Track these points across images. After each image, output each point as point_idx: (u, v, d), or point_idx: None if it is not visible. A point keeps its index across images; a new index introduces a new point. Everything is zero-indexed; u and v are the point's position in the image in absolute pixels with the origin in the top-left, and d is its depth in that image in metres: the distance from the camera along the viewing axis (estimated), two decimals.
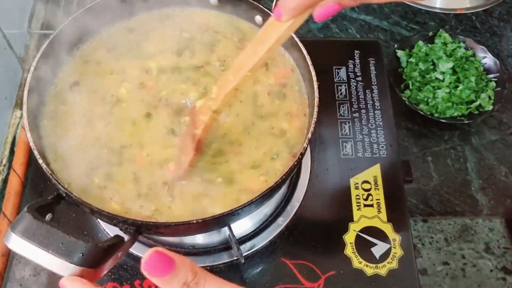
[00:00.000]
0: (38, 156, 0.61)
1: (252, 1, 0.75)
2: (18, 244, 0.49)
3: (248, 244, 0.75)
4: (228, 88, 0.61)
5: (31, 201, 0.54)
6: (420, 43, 1.04)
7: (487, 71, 1.02)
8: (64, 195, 0.59)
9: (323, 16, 0.48)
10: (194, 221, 0.56)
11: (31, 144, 0.61)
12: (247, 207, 0.57)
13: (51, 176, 0.59)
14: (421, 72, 1.01)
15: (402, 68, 1.03)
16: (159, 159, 0.65)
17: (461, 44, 1.04)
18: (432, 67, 1.02)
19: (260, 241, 0.75)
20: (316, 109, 0.63)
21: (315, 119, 0.62)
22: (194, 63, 0.73)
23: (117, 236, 0.54)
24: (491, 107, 0.97)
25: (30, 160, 0.86)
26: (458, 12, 1.17)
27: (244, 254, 0.74)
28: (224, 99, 0.62)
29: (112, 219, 0.57)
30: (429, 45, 1.05)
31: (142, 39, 0.76)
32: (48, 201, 0.57)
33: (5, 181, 0.87)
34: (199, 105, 0.64)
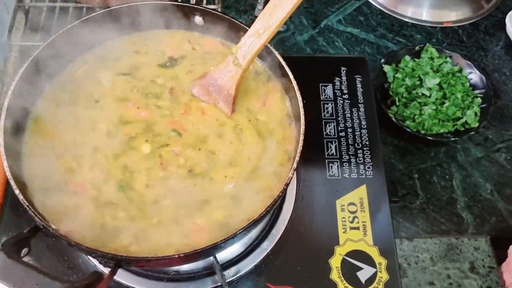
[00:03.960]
0: (14, 187, 0.59)
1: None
2: None
3: (232, 269, 0.74)
4: (258, 45, 0.68)
5: (8, 231, 0.52)
6: (407, 57, 1.04)
7: (473, 86, 1.02)
8: (42, 227, 0.57)
9: None
10: (176, 256, 0.55)
11: (7, 173, 0.59)
12: (229, 240, 0.56)
13: (28, 208, 0.57)
14: (407, 87, 1.00)
15: (389, 83, 1.03)
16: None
17: (448, 59, 1.04)
18: (418, 82, 1.01)
19: (245, 266, 0.74)
20: (298, 154, 0.63)
21: (299, 155, 0.61)
22: None
23: (95, 273, 0.53)
24: (477, 124, 0.97)
25: (7, 190, 0.82)
26: (445, 25, 1.17)
27: (229, 280, 0.72)
28: (253, 58, 0.70)
29: (91, 253, 0.55)
30: (416, 59, 1.04)
31: None
32: (24, 235, 0.55)
33: None
34: (224, 69, 0.71)
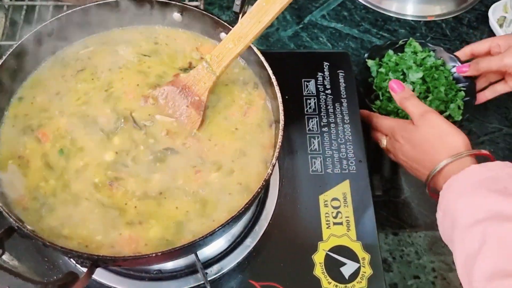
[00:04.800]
0: None
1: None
2: None
3: (215, 267, 0.73)
4: (231, 55, 0.68)
5: None
6: (390, 52, 1.04)
7: (457, 80, 1.02)
8: (16, 228, 0.56)
9: None
10: (153, 254, 0.54)
11: None
12: (208, 237, 0.55)
13: (2, 209, 0.56)
14: None
15: (373, 77, 1.02)
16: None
17: (431, 53, 1.04)
18: (402, 76, 1.01)
19: (228, 263, 0.74)
20: (276, 154, 0.63)
21: (279, 150, 0.61)
22: None
23: (71, 274, 0.52)
24: (460, 117, 0.97)
25: None
26: (428, 19, 1.17)
27: (211, 278, 0.72)
28: (227, 65, 0.69)
29: (66, 253, 0.54)
30: (399, 54, 1.04)
31: None
32: None
33: None
34: (196, 75, 0.70)
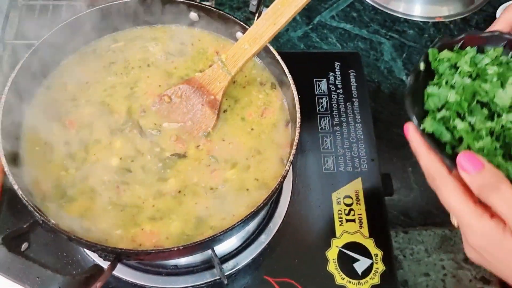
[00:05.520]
0: (13, 182, 0.59)
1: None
2: None
3: (231, 263, 0.74)
4: (247, 56, 0.69)
5: (6, 227, 0.52)
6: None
7: None
8: (41, 222, 0.57)
9: None
10: (175, 248, 0.55)
11: (6, 169, 0.60)
12: (228, 232, 0.56)
13: (27, 203, 0.57)
14: None
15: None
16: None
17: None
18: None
19: (243, 259, 0.75)
20: (293, 151, 0.64)
21: (296, 148, 0.62)
22: None
23: (95, 266, 0.53)
24: None
25: (5, 185, 0.82)
26: (436, 20, 1.18)
27: (227, 273, 0.73)
28: (243, 66, 0.70)
29: (91, 247, 0.56)
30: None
31: None
32: (24, 230, 0.56)
33: None
34: (212, 75, 0.71)
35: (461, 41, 0.56)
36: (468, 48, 0.56)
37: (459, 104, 0.51)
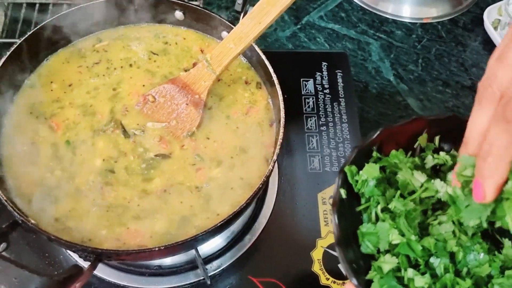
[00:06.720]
0: None
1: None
2: None
3: (215, 263, 0.74)
4: (232, 55, 0.69)
5: None
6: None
7: None
8: (20, 222, 0.57)
9: None
10: (156, 248, 0.55)
11: None
12: (209, 232, 0.56)
13: (6, 203, 0.57)
14: None
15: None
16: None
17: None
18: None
19: (227, 260, 0.74)
20: (277, 151, 0.63)
21: (280, 147, 0.62)
22: None
23: (75, 267, 0.52)
24: None
25: None
26: (424, 21, 1.18)
27: (211, 274, 0.73)
28: (228, 65, 0.70)
29: (71, 247, 0.55)
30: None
31: None
32: (2, 230, 0.55)
33: None
34: (196, 74, 0.71)
35: (379, 140, 0.45)
36: (393, 152, 0.44)
37: (408, 245, 0.35)
